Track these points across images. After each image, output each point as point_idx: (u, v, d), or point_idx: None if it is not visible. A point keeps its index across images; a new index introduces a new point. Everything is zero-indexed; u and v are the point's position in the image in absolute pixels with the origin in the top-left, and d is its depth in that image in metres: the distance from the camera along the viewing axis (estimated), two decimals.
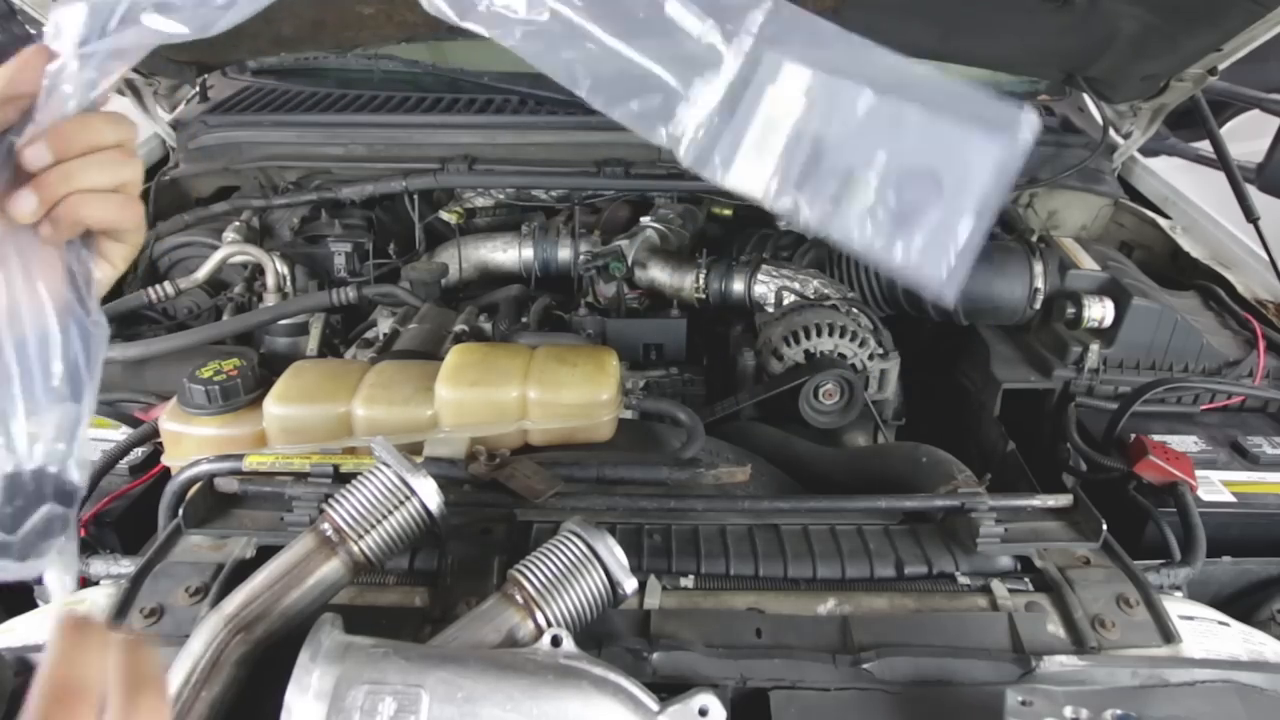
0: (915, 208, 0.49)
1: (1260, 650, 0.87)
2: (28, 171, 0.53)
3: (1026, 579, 0.97)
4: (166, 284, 1.61)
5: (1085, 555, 1.00)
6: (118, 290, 1.72)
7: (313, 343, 1.61)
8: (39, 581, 1.01)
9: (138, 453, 1.22)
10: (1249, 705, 0.78)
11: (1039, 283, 1.57)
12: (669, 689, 0.70)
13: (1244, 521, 1.21)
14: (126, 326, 1.64)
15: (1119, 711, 0.71)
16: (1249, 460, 1.31)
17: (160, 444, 1.19)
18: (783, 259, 1.71)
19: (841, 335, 1.46)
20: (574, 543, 0.79)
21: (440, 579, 0.91)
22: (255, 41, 1.72)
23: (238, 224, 1.70)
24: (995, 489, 1.07)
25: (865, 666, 0.81)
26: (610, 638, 0.83)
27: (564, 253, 1.77)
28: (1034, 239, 1.64)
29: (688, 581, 0.95)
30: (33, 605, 1.04)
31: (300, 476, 1.03)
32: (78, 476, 0.53)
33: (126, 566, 1.00)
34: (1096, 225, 2.00)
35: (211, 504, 1.02)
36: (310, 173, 1.85)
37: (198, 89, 1.96)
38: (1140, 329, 1.47)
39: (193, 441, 1.14)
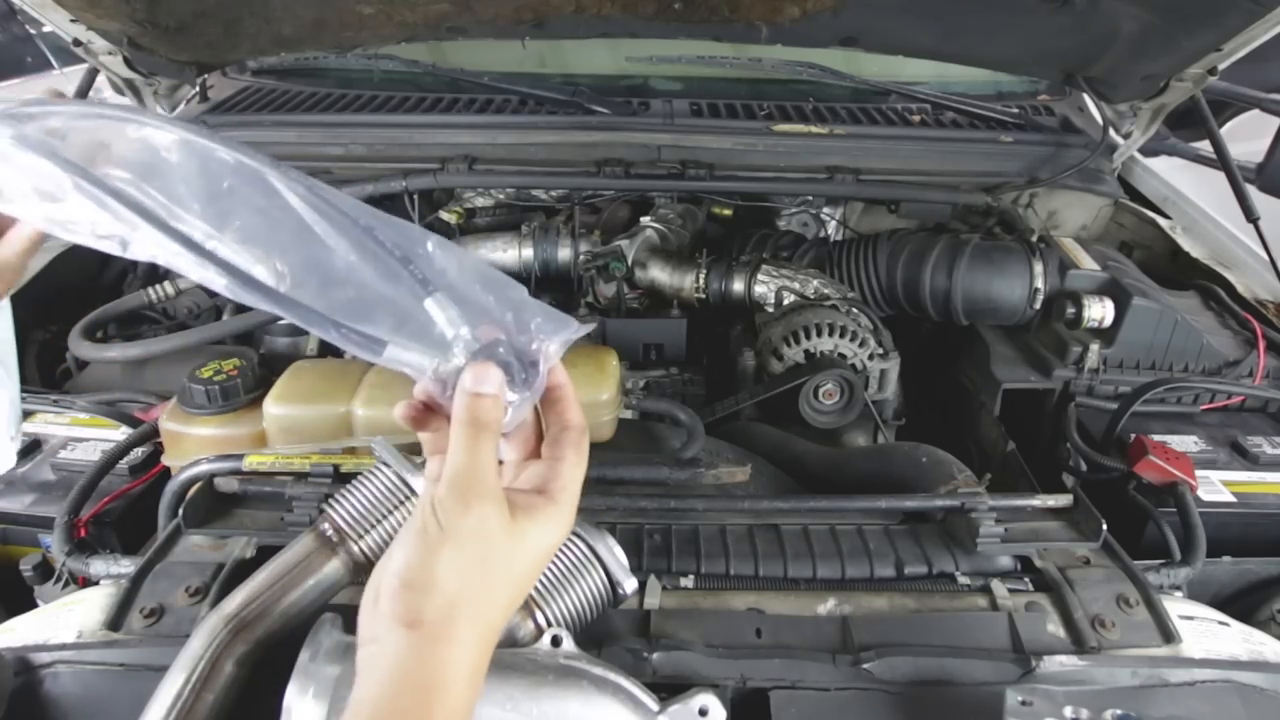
0: None
1: (1260, 650, 0.87)
2: None
3: (1026, 579, 0.97)
4: (166, 284, 1.61)
5: (1085, 555, 1.00)
6: (118, 290, 1.73)
7: (313, 343, 1.61)
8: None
9: (138, 453, 1.22)
10: (1249, 705, 0.78)
11: (1039, 283, 1.57)
12: (669, 689, 0.70)
13: (1244, 521, 1.21)
14: (126, 326, 1.64)
15: (1119, 711, 0.71)
16: (1249, 460, 1.31)
17: (160, 444, 1.19)
18: (783, 259, 1.71)
19: (841, 335, 1.46)
20: (574, 543, 0.79)
21: None
22: (255, 41, 1.72)
23: None
24: (995, 489, 1.07)
25: (865, 666, 0.81)
26: (610, 638, 0.83)
27: (564, 253, 1.77)
28: (1034, 239, 1.64)
29: (688, 581, 0.95)
30: (33, 605, 1.04)
31: (300, 476, 1.03)
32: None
33: (126, 566, 1.00)
34: (1096, 225, 2.00)
35: (211, 504, 1.02)
36: (310, 173, 1.84)
37: (198, 89, 1.96)
38: (1140, 329, 1.47)
39: (193, 441, 1.14)
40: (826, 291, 1.58)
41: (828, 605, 0.92)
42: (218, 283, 0.56)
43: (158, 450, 1.21)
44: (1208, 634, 0.88)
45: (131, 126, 0.59)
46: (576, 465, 0.64)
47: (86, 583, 1.04)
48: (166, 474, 1.18)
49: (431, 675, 0.55)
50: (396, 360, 0.58)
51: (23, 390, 1.37)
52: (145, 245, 0.55)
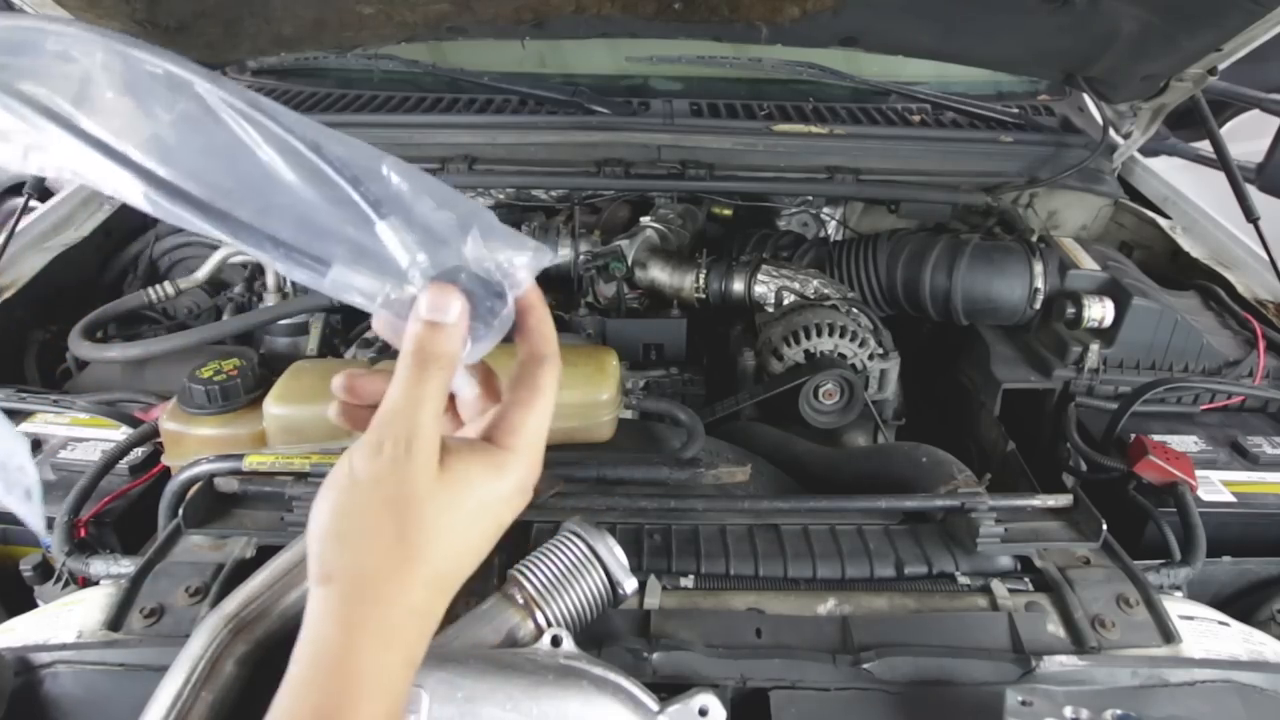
0: None
1: (1260, 650, 0.87)
2: None
3: (1026, 579, 0.97)
4: (166, 284, 1.61)
5: (1085, 555, 1.00)
6: (118, 290, 1.73)
7: (313, 343, 1.61)
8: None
9: (138, 453, 1.22)
10: (1249, 705, 0.78)
11: (1039, 283, 1.57)
12: (669, 689, 0.70)
13: (1244, 521, 1.21)
14: (126, 326, 1.64)
15: (1119, 711, 0.71)
16: (1249, 460, 1.31)
17: (160, 444, 1.19)
18: (783, 259, 1.71)
19: (841, 335, 1.46)
20: (574, 543, 0.79)
21: None
22: (255, 41, 1.72)
23: None
24: (995, 489, 1.07)
25: (865, 666, 0.81)
26: (610, 638, 0.83)
27: (564, 253, 1.77)
28: (1034, 239, 1.64)
29: (688, 581, 0.95)
30: (33, 605, 1.04)
31: (300, 476, 1.03)
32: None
33: (126, 566, 1.00)
34: (1096, 225, 2.01)
35: (211, 504, 1.02)
36: None
37: None
38: (1140, 329, 1.47)
39: (193, 441, 1.14)
40: (826, 291, 1.58)
41: (828, 605, 0.92)
42: (139, 193, 0.49)
43: (158, 450, 1.21)
44: (1208, 634, 0.88)
45: (51, 38, 0.51)
46: (532, 406, 0.57)
47: (86, 583, 1.04)
48: (166, 474, 1.18)
49: (345, 635, 0.49)
50: (343, 283, 0.52)
51: (23, 390, 1.37)
52: (55, 155, 0.49)
